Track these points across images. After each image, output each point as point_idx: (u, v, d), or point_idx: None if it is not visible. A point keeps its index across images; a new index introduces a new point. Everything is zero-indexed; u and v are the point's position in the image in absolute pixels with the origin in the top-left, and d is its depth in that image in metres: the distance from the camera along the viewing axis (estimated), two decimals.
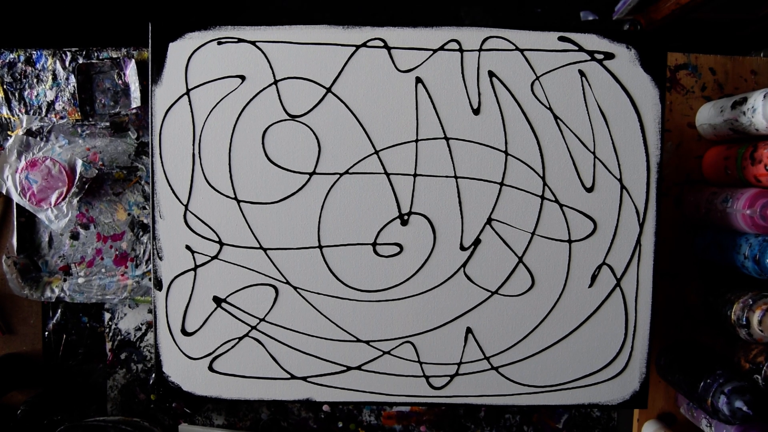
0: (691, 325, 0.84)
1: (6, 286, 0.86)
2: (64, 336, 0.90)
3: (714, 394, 0.69)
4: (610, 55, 0.70)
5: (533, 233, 0.72)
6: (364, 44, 0.70)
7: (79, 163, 0.84)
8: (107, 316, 0.88)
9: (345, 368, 0.74)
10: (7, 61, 0.86)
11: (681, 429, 0.85)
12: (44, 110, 0.86)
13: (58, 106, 0.86)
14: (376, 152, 0.71)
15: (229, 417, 0.90)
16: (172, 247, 0.72)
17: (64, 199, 0.84)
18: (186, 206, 0.72)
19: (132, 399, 0.90)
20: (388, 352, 0.73)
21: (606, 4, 1.31)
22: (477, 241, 0.72)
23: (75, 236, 0.87)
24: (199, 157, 0.71)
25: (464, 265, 0.72)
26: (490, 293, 0.72)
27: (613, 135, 0.71)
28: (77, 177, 0.83)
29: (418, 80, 0.70)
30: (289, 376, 0.74)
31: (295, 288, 0.73)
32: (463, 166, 0.71)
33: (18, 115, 0.86)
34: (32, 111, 0.86)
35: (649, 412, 0.85)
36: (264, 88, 0.70)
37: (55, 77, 0.86)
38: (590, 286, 0.72)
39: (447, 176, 0.71)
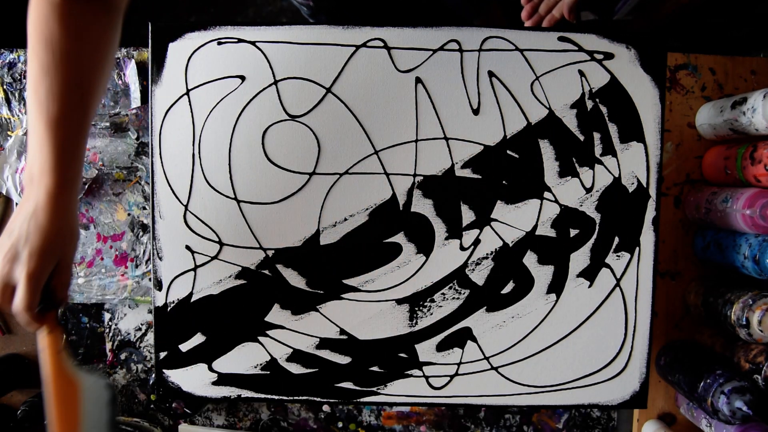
0: (691, 325, 0.84)
1: None
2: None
3: (714, 394, 0.69)
4: (609, 55, 0.70)
5: (533, 233, 0.72)
6: (364, 44, 0.70)
7: None
8: (107, 316, 0.88)
9: (345, 368, 0.73)
10: (7, 61, 0.86)
11: (681, 429, 0.85)
12: None
13: None
14: (376, 152, 0.71)
15: (229, 417, 0.90)
16: (172, 247, 0.72)
17: None
18: (186, 206, 0.72)
19: (132, 399, 0.90)
20: (388, 351, 0.73)
21: (606, 4, 1.31)
22: (477, 241, 0.72)
23: None
24: (199, 157, 0.71)
25: (464, 265, 0.72)
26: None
27: (612, 135, 0.71)
28: None
29: (418, 80, 0.70)
30: (289, 376, 0.74)
31: (294, 288, 0.72)
32: (462, 166, 0.71)
33: (18, 115, 0.86)
34: None
35: (649, 412, 0.85)
36: (264, 88, 0.70)
37: None
38: (590, 286, 0.72)
39: (447, 176, 0.71)
